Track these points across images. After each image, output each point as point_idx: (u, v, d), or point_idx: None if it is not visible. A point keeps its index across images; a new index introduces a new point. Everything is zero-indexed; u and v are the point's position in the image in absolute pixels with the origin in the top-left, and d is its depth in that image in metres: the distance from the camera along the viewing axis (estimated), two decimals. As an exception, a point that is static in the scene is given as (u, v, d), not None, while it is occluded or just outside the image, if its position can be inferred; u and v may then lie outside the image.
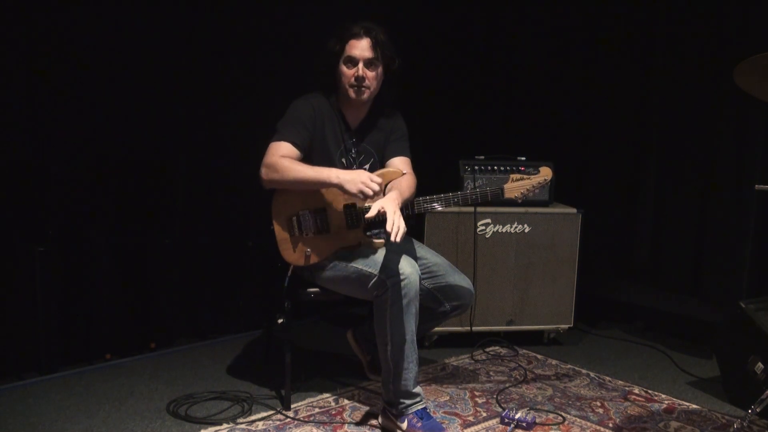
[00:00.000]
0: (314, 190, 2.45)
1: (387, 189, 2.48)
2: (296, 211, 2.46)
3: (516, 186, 2.51)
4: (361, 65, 2.49)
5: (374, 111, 2.66)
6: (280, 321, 2.51)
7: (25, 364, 2.82)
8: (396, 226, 2.28)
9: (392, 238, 2.28)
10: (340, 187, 2.36)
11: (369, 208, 2.41)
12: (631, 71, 3.62)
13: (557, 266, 3.32)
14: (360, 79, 2.50)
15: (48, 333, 2.84)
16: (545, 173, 2.52)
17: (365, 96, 2.54)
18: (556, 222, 3.30)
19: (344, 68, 2.52)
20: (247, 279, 3.41)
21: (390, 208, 2.32)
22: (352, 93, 2.53)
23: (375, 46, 2.50)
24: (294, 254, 2.48)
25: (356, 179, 2.34)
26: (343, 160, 2.60)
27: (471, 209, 3.20)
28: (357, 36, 2.50)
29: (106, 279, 3.00)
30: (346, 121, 2.62)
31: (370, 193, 2.32)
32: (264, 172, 2.43)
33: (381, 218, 2.35)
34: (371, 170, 2.63)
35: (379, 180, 2.36)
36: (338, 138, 2.59)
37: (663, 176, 3.54)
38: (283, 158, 2.42)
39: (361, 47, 2.49)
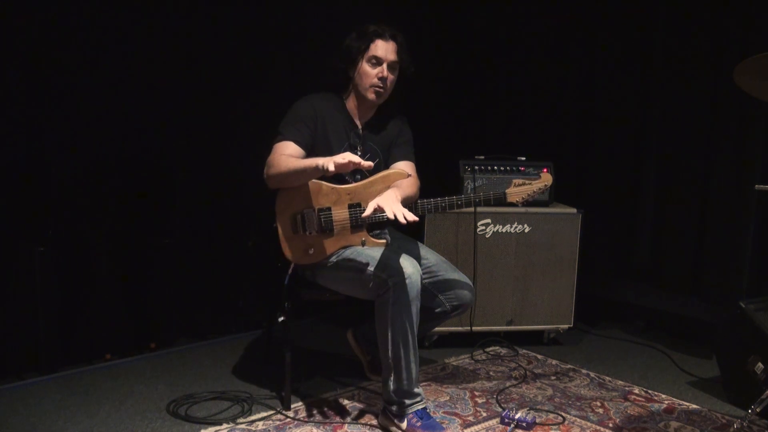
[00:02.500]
0: (318, 189, 2.46)
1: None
2: (300, 209, 2.46)
3: (518, 191, 2.56)
4: (385, 66, 2.52)
5: (381, 111, 2.68)
6: (280, 319, 2.52)
7: (25, 364, 2.82)
8: (399, 212, 2.29)
9: (401, 220, 2.28)
10: (322, 168, 2.28)
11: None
12: (631, 71, 3.62)
13: (557, 266, 3.32)
14: (383, 80, 2.52)
15: (48, 333, 2.83)
16: (546, 179, 2.58)
17: (381, 98, 2.57)
18: (556, 222, 3.30)
19: (367, 66, 2.53)
20: (247, 279, 3.41)
21: (386, 202, 2.32)
22: (371, 94, 2.55)
23: (399, 51, 2.54)
24: (296, 252, 2.48)
25: (333, 156, 2.28)
26: None
27: (471, 209, 3.19)
28: (384, 37, 2.53)
29: (106, 279, 3.00)
30: (353, 120, 2.63)
31: (341, 161, 2.22)
32: (265, 171, 2.46)
33: (379, 219, 2.35)
34: (376, 169, 2.64)
35: (357, 159, 2.25)
36: (342, 136, 2.60)
37: (663, 176, 3.54)
38: (281, 155, 2.43)
39: (387, 49, 2.53)
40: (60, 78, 2.78)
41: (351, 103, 2.63)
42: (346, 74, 2.59)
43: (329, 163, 2.23)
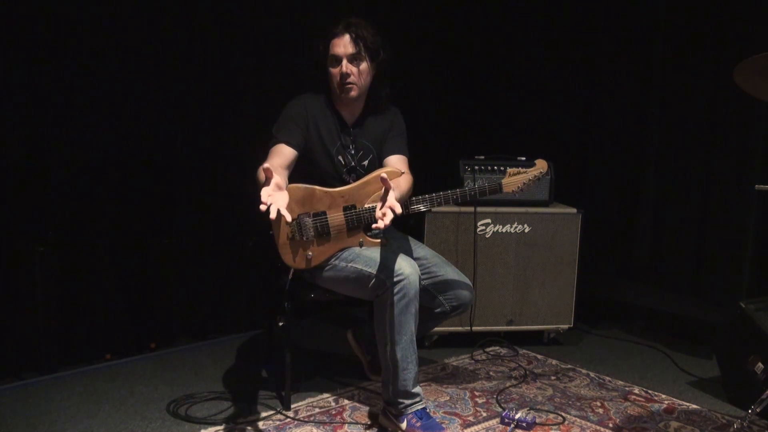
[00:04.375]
0: (312, 194, 2.44)
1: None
2: (296, 215, 2.45)
3: (513, 180, 2.52)
4: (344, 62, 2.49)
5: (370, 106, 2.65)
6: (281, 324, 2.51)
7: (25, 364, 2.82)
8: (387, 214, 2.19)
9: (380, 223, 2.18)
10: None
11: (366, 209, 2.44)
12: (631, 71, 3.62)
13: (557, 266, 3.32)
14: (344, 76, 2.49)
15: (48, 333, 2.84)
16: (541, 166, 2.53)
17: (353, 93, 2.53)
18: (556, 222, 3.30)
19: (330, 68, 2.53)
20: (248, 279, 3.41)
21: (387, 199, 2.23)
22: (341, 92, 2.53)
23: (356, 40, 2.49)
24: (295, 258, 2.46)
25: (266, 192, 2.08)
26: (341, 158, 2.60)
27: (471, 209, 3.19)
28: (338, 34, 2.51)
29: (107, 279, 3.00)
30: (342, 119, 2.62)
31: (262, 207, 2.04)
32: None
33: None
34: (370, 166, 2.63)
35: (265, 197, 2.05)
36: (334, 135, 2.59)
37: (663, 176, 3.54)
38: (266, 163, 2.39)
39: (342, 44, 2.50)
40: (60, 78, 2.78)
41: (335, 103, 2.61)
42: (324, 78, 2.58)
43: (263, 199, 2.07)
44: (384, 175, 2.24)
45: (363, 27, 2.51)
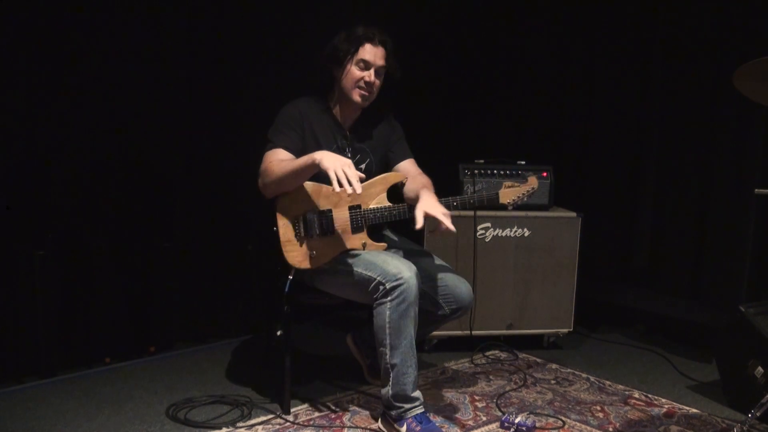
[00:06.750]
0: (319, 192, 2.46)
1: (414, 191, 2.51)
2: (302, 212, 2.46)
3: (508, 192, 2.61)
4: (372, 71, 2.51)
5: (367, 111, 2.67)
6: (279, 333, 2.51)
7: (24, 368, 2.82)
8: (449, 221, 2.36)
9: (452, 229, 2.36)
10: (318, 165, 2.27)
11: (371, 210, 2.47)
12: (631, 74, 3.63)
13: (557, 270, 3.32)
14: (368, 84, 2.52)
15: (47, 337, 2.83)
16: (532, 183, 2.64)
17: (367, 102, 2.57)
18: (555, 226, 3.31)
19: (355, 69, 2.52)
20: (247, 283, 3.41)
21: (434, 209, 2.37)
22: (356, 96, 2.54)
23: (387, 57, 2.54)
24: (298, 256, 2.47)
25: (339, 161, 2.25)
26: None
27: (470, 213, 3.20)
28: (373, 42, 2.52)
29: (106, 283, 3.00)
30: (338, 121, 2.63)
31: (344, 180, 2.21)
32: (259, 182, 2.46)
33: (386, 220, 2.35)
34: (367, 170, 2.64)
35: (358, 177, 2.24)
36: (330, 138, 2.59)
37: (663, 180, 3.54)
38: (272, 162, 2.43)
39: (376, 54, 2.52)
40: (60, 81, 2.78)
41: (336, 106, 2.62)
42: (331, 75, 2.58)
43: (332, 169, 2.23)
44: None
45: (391, 44, 2.56)
